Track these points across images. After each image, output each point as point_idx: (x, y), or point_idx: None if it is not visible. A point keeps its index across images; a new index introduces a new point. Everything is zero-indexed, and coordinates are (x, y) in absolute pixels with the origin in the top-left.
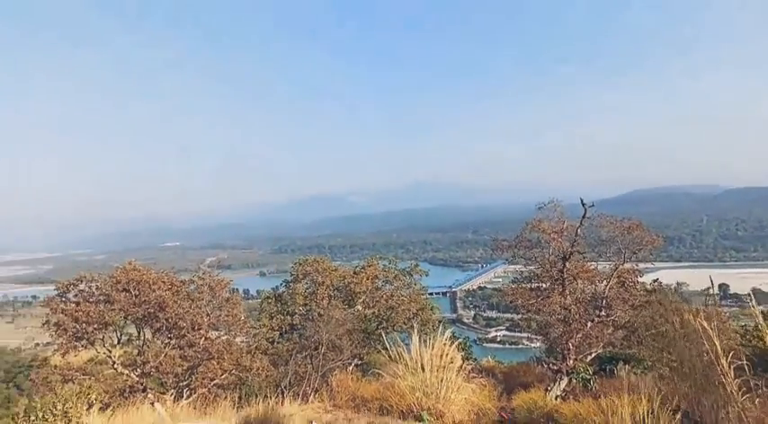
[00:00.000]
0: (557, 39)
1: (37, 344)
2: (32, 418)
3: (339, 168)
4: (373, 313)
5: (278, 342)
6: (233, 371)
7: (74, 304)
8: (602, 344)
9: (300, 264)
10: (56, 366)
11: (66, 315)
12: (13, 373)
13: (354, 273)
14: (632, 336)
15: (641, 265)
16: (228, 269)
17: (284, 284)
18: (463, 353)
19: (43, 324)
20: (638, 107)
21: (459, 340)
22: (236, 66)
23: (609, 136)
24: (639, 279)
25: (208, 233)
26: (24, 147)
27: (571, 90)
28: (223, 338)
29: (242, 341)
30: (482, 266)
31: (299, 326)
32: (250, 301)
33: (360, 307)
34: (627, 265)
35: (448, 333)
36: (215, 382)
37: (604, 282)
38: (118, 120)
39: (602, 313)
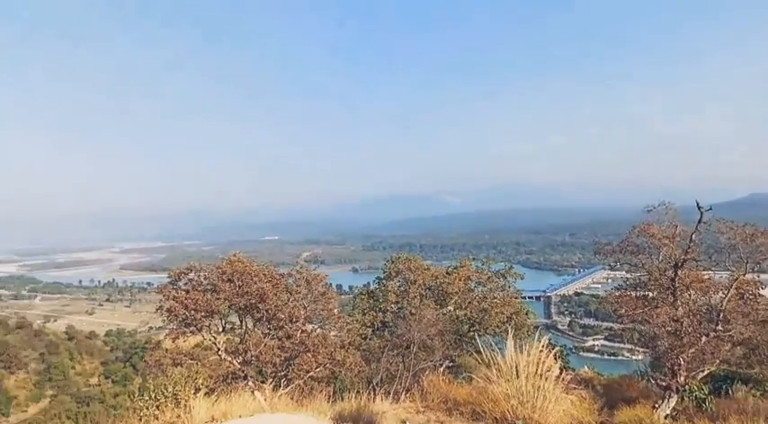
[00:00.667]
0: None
1: (150, 328)
2: (146, 397)
3: (429, 166)
4: (465, 314)
5: (370, 339)
6: (327, 365)
7: (184, 292)
8: (716, 361)
9: (393, 262)
10: (167, 350)
11: (177, 302)
12: (130, 353)
13: (447, 273)
14: (753, 354)
15: (764, 276)
16: (323, 264)
17: (377, 281)
18: (560, 362)
19: (156, 310)
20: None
21: (557, 347)
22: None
23: (716, 133)
24: (761, 292)
25: (303, 227)
26: (142, 146)
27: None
28: (318, 331)
29: (335, 335)
30: (579, 271)
31: (391, 324)
32: (342, 296)
33: (451, 308)
34: (748, 276)
35: (544, 340)
36: (310, 374)
37: (721, 294)
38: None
39: (719, 327)
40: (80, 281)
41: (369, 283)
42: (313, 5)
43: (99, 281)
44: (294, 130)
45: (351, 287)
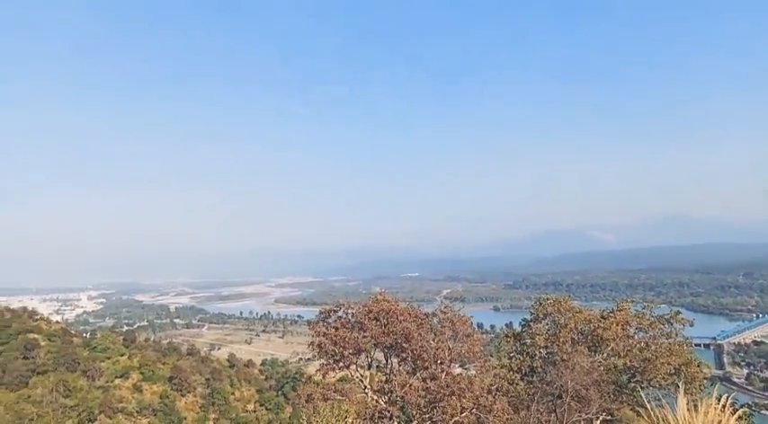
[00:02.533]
0: None
1: (300, 359)
2: None
3: (574, 201)
4: (624, 363)
5: (517, 384)
6: (473, 410)
7: (333, 329)
8: None
9: (540, 304)
10: (317, 384)
11: (326, 339)
12: (282, 382)
13: (602, 317)
14: None
15: None
16: (462, 302)
17: (523, 323)
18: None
19: (308, 345)
20: None
21: (739, 405)
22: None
23: None
24: None
25: (442, 265)
26: (299, 188)
27: None
28: (463, 374)
29: (481, 379)
30: (757, 316)
31: (540, 369)
32: (483, 335)
33: (607, 355)
34: None
35: (724, 397)
36: (455, 419)
37: None
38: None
39: None
40: (240, 313)
41: (511, 323)
42: None
43: (257, 313)
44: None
45: (492, 326)
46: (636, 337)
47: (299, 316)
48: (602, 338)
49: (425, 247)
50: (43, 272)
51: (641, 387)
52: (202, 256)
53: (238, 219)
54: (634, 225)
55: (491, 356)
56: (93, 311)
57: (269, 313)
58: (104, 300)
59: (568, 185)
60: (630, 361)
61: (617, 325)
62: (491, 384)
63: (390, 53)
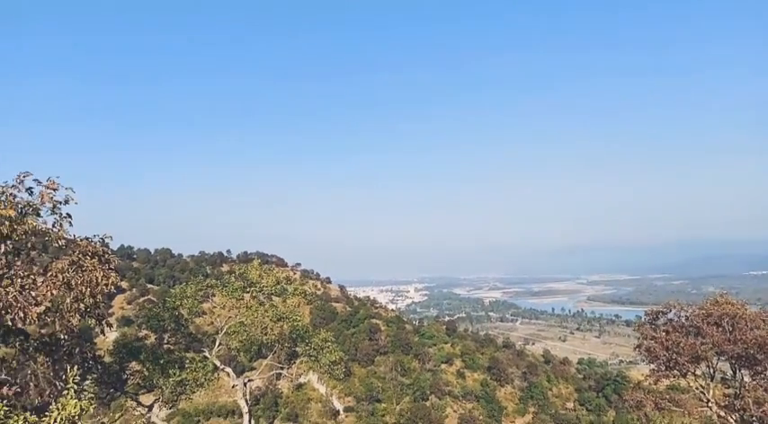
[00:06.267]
0: None
1: (621, 361)
2: None
3: None
4: None
5: None
6: None
7: (664, 333)
8: None
9: None
10: (647, 391)
11: (656, 342)
12: (602, 384)
13: None
14: None
15: None
16: None
17: None
18: None
19: (635, 348)
20: None
21: None
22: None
23: None
24: None
25: None
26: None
27: None
28: None
29: None
30: None
31: None
32: None
33: None
34: None
35: None
36: None
37: None
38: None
39: None
40: (552, 309)
41: None
42: None
43: (569, 310)
44: None
45: None
46: None
47: (616, 316)
48: None
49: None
50: (380, 266)
51: None
52: (509, 252)
53: (545, 216)
54: None
55: None
56: (419, 301)
57: (582, 310)
58: (427, 292)
59: None
60: None
61: None
62: None
63: None
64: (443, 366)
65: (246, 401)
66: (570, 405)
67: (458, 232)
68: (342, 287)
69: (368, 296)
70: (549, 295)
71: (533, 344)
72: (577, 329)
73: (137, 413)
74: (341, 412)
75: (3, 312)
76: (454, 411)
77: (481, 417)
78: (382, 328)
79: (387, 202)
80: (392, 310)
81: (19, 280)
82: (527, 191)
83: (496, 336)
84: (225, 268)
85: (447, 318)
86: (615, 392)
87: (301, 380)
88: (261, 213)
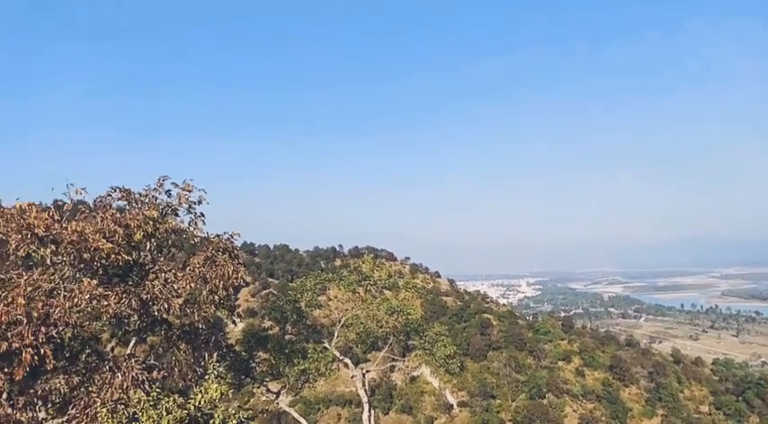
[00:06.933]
0: None
1: (764, 363)
2: None
3: None
4: None
5: None
6: None
7: None
8: None
9: None
10: None
11: None
12: (743, 387)
13: None
14: None
15: None
16: None
17: None
18: None
19: None
20: None
21: None
22: None
23: None
24: None
25: None
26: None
27: None
28: None
29: None
30: None
31: None
32: None
33: None
34: None
35: None
36: None
37: None
38: None
39: None
40: (681, 305)
41: None
42: None
43: (701, 306)
44: None
45: None
46: None
47: (757, 312)
48: None
49: None
50: (490, 260)
51: None
52: (627, 245)
53: (664, 207)
54: None
55: None
56: (532, 296)
57: (716, 306)
58: (540, 287)
59: None
60: None
61: None
62: None
63: None
64: (560, 363)
65: (366, 391)
66: (705, 409)
67: (571, 224)
68: (451, 281)
69: (478, 291)
70: (677, 291)
71: (660, 343)
72: (711, 326)
73: (264, 399)
74: (455, 407)
75: (150, 303)
76: (573, 411)
77: (604, 418)
78: (494, 323)
79: (493, 195)
80: (504, 305)
81: (163, 275)
82: (641, 184)
83: (618, 333)
84: (338, 262)
85: (563, 314)
86: (758, 396)
87: (414, 373)
88: (372, 209)
